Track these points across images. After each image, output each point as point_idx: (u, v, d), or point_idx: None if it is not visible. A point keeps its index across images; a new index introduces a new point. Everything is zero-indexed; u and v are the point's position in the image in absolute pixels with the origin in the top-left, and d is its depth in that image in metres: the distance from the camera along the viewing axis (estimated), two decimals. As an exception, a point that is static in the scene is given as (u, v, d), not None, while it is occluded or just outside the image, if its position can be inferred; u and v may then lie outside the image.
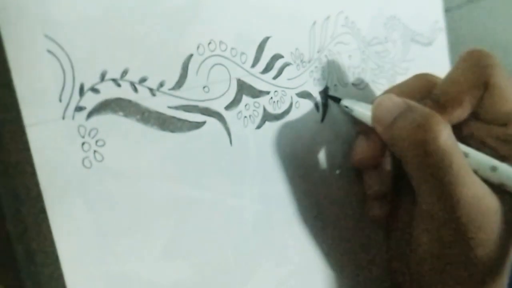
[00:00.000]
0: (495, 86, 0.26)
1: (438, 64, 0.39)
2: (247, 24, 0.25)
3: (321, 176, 0.27)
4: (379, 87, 0.32)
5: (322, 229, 0.27)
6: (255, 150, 0.24)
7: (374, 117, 0.26)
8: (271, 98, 0.25)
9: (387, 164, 0.28)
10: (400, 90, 0.28)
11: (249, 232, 0.24)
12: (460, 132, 0.27)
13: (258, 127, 0.25)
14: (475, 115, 0.27)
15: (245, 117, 0.24)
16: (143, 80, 0.20)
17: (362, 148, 0.28)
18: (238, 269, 0.23)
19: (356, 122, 0.28)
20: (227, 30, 0.24)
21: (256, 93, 0.25)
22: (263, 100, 0.25)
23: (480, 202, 0.24)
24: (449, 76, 0.27)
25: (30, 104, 0.17)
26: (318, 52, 0.28)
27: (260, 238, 0.24)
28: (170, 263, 0.21)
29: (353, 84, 0.30)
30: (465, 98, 0.26)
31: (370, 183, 0.28)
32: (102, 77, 0.19)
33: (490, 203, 0.24)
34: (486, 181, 0.25)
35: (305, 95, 0.27)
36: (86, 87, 0.19)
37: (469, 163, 0.25)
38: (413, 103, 0.25)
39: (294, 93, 0.26)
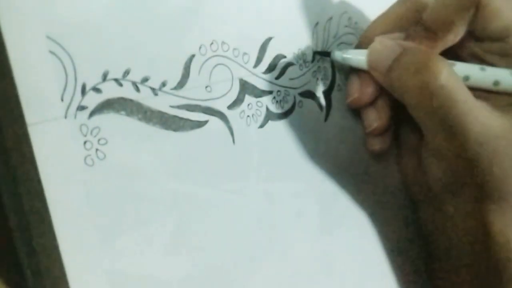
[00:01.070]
0: (486, 4, 0.26)
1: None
2: (250, 24, 0.25)
3: (324, 175, 0.27)
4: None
5: (327, 229, 0.27)
6: (258, 149, 0.24)
7: (370, 64, 0.26)
8: (274, 97, 0.25)
9: (385, 101, 0.28)
10: (388, 18, 0.28)
11: (252, 230, 0.24)
12: (459, 53, 0.28)
13: (261, 126, 0.25)
14: (470, 35, 0.27)
15: (248, 116, 0.24)
16: (145, 79, 0.21)
17: (355, 87, 0.27)
18: (241, 266, 0.23)
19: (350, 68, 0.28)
20: (229, 31, 0.24)
21: (258, 93, 0.25)
22: (266, 100, 0.25)
23: (489, 129, 0.24)
24: (436, 4, 0.27)
25: (32, 104, 0.18)
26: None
27: (263, 236, 0.24)
28: (173, 260, 0.21)
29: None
30: (457, 21, 0.26)
31: (368, 121, 0.28)
32: (104, 77, 0.20)
33: (499, 126, 0.24)
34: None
35: (308, 94, 0.27)
36: (88, 87, 0.19)
37: (472, 83, 0.25)
38: (406, 44, 0.25)
39: (297, 93, 0.26)
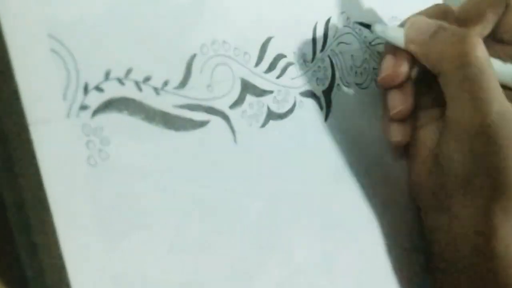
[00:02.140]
0: None
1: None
2: (250, 24, 0.25)
3: (325, 174, 0.27)
4: (380, 86, 0.32)
5: (328, 229, 0.27)
6: (259, 149, 0.24)
7: (408, 37, 0.27)
8: (275, 97, 0.25)
9: (410, 88, 0.29)
10: (421, 15, 0.30)
11: (254, 230, 0.24)
12: None
13: (262, 125, 0.25)
14: (494, 36, 0.29)
15: (250, 116, 0.24)
16: (147, 79, 0.20)
17: (389, 65, 0.28)
18: (243, 267, 0.23)
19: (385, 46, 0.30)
20: (231, 30, 0.24)
21: (260, 92, 0.25)
22: (267, 99, 0.25)
23: (507, 115, 0.25)
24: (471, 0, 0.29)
25: (34, 103, 0.17)
26: (320, 52, 0.28)
27: (265, 236, 0.24)
28: (175, 261, 0.21)
29: (356, 84, 0.30)
30: (486, 14, 0.28)
31: (393, 103, 0.29)
32: (107, 76, 0.19)
33: None
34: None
35: (308, 94, 0.27)
36: (90, 86, 0.19)
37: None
38: (443, 23, 0.27)
39: (297, 92, 0.26)
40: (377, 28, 0.29)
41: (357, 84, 0.30)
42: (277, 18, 0.26)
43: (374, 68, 0.32)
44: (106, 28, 0.20)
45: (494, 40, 0.29)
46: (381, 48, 0.32)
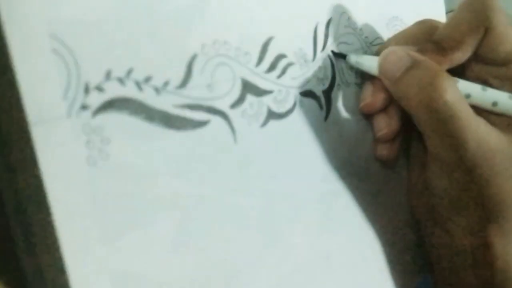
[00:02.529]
0: (495, 28, 0.27)
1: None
2: (251, 24, 0.25)
3: (325, 174, 0.27)
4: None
5: (327, 228, 0.27)
6: (259, 149, 0.24)
7: (381, 71, 0.27)
8: (275, 97, 0.25)
9: (395, 109, 0.29)
10: (403, 35, 0.30)
11: (253, 229, 0.24)
12: (463, 74, 0.29)
13: (263, 125, 0.25)
14: (476, 57, 0.28)
15: (250, 115, 0.24)
16: (148, 79, 0.21)
17: (369, 93, 0.29)
18: (242, 266, 0.23)
19: (363, 73, 0.30)
20: (231, 30, 0.24)
21: (260, 92, 0.25)
22: (267, 99, 0.25)
23: (486, 143, 0.25)
24: (451, 20, 0.28)
25: (35, 103, 0.17)
26: (321, 52, 0.28)
27: (264, 235, 0.24)
28: (174, 260, 0.21)
29: (356, 84, 0.30)
30: (466, 40, 0.27)
31: (379, 126, 0.29)
32: (107, 76, 0.19)
33: (497, 142, 0.26)
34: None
35: (308, 94, 0.27)
36: (91, 86, 0.19)
37: (473, 101, 0.27)
38: (417, 56, 0.26)
39: (297, 92, 0.27)
40: (352, 58, 0.29)
41: (357, 84, 0.30)
42: (278, 18, 0.26)
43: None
44: (107, 28, 0.20)
45: (475, 61, 0.28)
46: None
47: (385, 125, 0.29)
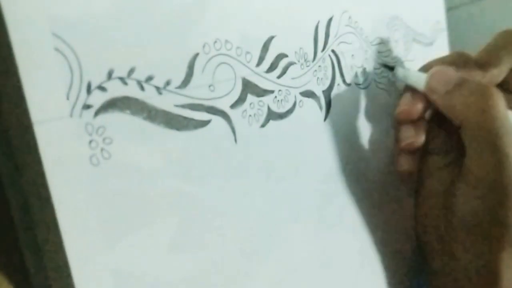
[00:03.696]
0: None
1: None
2: (252, 23, 0.25)
3: (324, 174, 0.28)
4: (381, 86, 0.32)
5: (326, 228, 0.27)
6: (259, 149, 0.24)
7: (430, 87, 0.28)
8: (276, 97, 0.25)
9: (423, 125, 0.30)
10: (443, 61, 0.31)
11: (253, 230, 0.24)
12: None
13: (263, 125, 0.25)
14: (505, 88, 0.30)
15: (250, 115, 0.24)
16: (149, 78, 0.21)
17: (407, 102, 0.30)
18: (243, 265, 0.23)
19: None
20: (233, 30, 0.24)
21: (260, 92, 0.25)
22: (268, 99, 0.25)
23: None
24: (488, 45, 0.30)
25: (37, 102, 0.17)
26: (322, 51, 0.28)
27: (264, 235, 0.24)
28: (176, 259, 0.21)
29: (356, 84, 0.30)
30: (504, 59, 0.29)
31: (405, 135, 0.30)
32: (109, 76, 0.19)
33: None
34: None
35: (308, 94, 0.27)
36: (93, 85, 0.19)
37: None
38: (465, 76, 0.28)
39: (298, 92, 0.27)
40: (399, 72, 0.30)
41: (357, 84, 0.31)
42: (279, 17, 0.26)
43: (374, 68, 0.32)
44: (110, 27, 0.20)
45: (506, 92, 0.30)
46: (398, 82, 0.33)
47: (412, 135, 0.30)
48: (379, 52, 0.33)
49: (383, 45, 0.33)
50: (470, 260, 0.27)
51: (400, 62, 0.33)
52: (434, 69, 0.29)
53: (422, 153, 0.31)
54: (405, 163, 0.30)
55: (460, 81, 0.28)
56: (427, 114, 0.31)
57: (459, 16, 0.48)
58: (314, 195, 0.27)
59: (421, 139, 0.30)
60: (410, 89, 0.30)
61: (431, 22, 0.39)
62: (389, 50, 0.34)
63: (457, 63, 0.30)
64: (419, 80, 0.29)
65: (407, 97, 0.30)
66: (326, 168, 0.28)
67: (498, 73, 0.29)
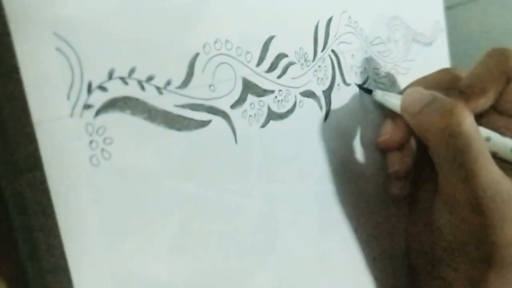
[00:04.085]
0: None
1: (438, 64, 0.39)
2: (252, 23, 0.25)
3: (324, 175, 0.28)
4: (380, 86, 0.32)
5: (326, 228, 0.27)
6: (259, 149, 0.24)
7: (403, 107, 0.28)
8: (276, 97, 0.25)
9: (409, 149, 0.30)
10: (426, 81, 0.31)
11: (253, 230, 0.24)
12: (480, 123, 0.29)
13: (263, 126, 0.25)
14: (495, 108, 0.30)
15: (250, 116, 0.24)
16: (150, 78, 0.21)
17: (388, 130, 0.30)
18: (242, 267, 0.23)
19: (384, 109, 0.31)
20: (233, 29, 0.24)
21: (261, 92, 0.25)
22: (268, 99, 0.25)
23: (498, 186, 0.25)
24: (474, 69, 0.30)
25: (38, 102, 0.17)
26: (321, 51, 0.28)
27: (264, 236, 0.24)
28: (176, 261, 0.21)
29: (356, 84, 0.30)
30: (489, 88, 0.29)
31: (392, 162, 0.30)
32: (110, 75, 0.19)
33: (509, 189, 0.26)
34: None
35: (308, 94, 0.27)
36: (94, 85, 0.19)
37: (491, 146, 0.27)
38: (439, 94, 0.28)
39: (298, 92, 0.27)
40: (378, 94, 0.30)
41: (357, 84, 0.31)
42: (279, 17, 0.26)
43: (374, 68, 0.32)
44: (110, 27, 0.19)
45: (496, 112, 0.30)
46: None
47: (398, 161, 0.30)
48: (378, 52, 0.33)
49: (382, 45, 0.33)
50: (460, 283, 0.27)
51: (377, 84, 0.33)
52: (409, 90, 0.29)
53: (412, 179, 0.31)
54: (395, 189, 0.30)
55: (429, 100, 0.27)
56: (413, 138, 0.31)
57: (458, 15, 0.48)
58: (315, 195, 0.27)
59: (407, 165, 0.30)
60: (391, 114, 0.30)
61: (431, 22, 0.39)
62: (389, 51, 0.34)
63: (441, 87, 0.29)
64: (396, 101, 0.29)
65: (387, 124, 0.30)
66: (326, 168, 0.28)
67: (484, 103, 0.29)
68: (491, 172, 0.25)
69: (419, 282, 0.30)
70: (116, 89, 0.20)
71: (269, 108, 0.25)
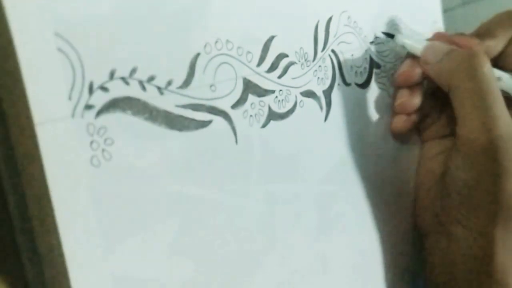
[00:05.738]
0: None
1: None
2: (253, 23, 0.25)
3: (325, 174, 0.28)
4: (381, 86, 0.32)
5: (326, 228, 0.27)
6: (260, 149, 0.24)
7: (423, 58, 0.30)
8: (276, 97, 0.25)
9: (420, 91, 0.32)
10: (445, 36, 0.32)
11: (253, 231, 0.24)
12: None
13: (263, 126, 0.25)
14: (501, 65, 0.31)
15: (251, 116, 0.24)
16: (151, 78, 0.20)
17: (407, 66, 0.31)
18: (242, 268, 0.23)
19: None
20: (234, 29, 0.24)
21: (261, 92, 0.25)
22: (268, 99, 0.25)
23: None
24: (485, 22, 0.32)
25: (40, 102, 0.17)
26: (322, 51, 0.28)
27: (264, 237, 0.24)
28: (176, 262, 0.21)
29: (356, 84, 0.31)
30: (500, 32, 0.31)
31: (400, 95, 0.31)
32: (111, 76, 0.19)
33: None
34: None
35: (309, 94, 0.27)
36: (95, 86, 0.19)
37: (502, 86, 0.29)
38: (456, 46, 0.29)
39: (298, 92, 0.27)
40: (399, 39, 0.32)
41: (357, 84, 0.31)
42: (280, 17, 0.26)
43: (374, 68, 0.32)
44: (112, 27, 0.19)
45: (500, 68, 0.31)
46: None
47: (406, 95, 0.31)
48: (378, 52, 0.33)
49: (382, 44, 0.33)
50: (463, 236, 0.27)
51: (400, 30, 0.34)
52: (429, 43, 0.30)
53: (421, 138, 0.32)
54: (398, 123, 0.31)
55: (449, 50, 0.29)
56: (425, 84, 0.32)
57: (457, 16, 0.48)
58: (315, 197, 0.27)
59: (415, 101, 0.31)
60: (410, 56, 0.31)
61: (429, 22, 0.39)
62: (388, 50, 0.34)
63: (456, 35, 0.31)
64: (417, 46, 0.31)
65: (408, 62, 0.31)
66: (326, 168, 0.28)
67: (494, 44, 0.30)
68: (507, 117, 0.27)
69: (425, 240, 0.30)
70: (117, 90, 0.19)
71: (269, 108, 0.25)
